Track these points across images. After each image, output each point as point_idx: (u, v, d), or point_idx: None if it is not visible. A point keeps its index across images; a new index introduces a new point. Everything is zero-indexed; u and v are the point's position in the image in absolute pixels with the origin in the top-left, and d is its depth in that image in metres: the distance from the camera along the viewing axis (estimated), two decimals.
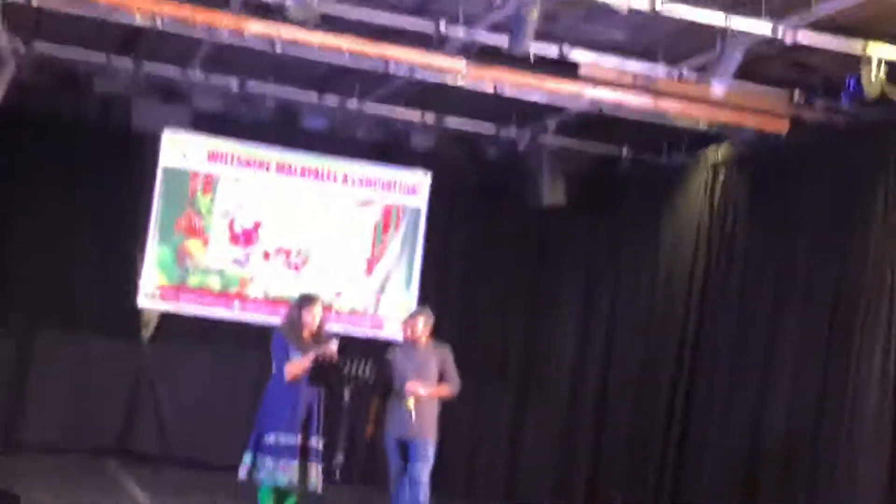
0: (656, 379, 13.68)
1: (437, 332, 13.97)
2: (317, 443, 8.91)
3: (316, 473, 8.86)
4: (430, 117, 13.78)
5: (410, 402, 8.99)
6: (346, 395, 8.84)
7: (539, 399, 15.04)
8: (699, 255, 13.32)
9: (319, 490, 8.90)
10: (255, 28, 10.42)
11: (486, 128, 14.02)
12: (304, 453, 8.88)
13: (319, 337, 9.06)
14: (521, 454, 14.95)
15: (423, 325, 9.17)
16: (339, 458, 8.81)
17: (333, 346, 8.91)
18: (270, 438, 8.88)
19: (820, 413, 11.08)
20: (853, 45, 9.53)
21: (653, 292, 14.12)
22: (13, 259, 13.47)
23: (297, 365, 8.89)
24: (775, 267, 12.04)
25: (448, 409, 9.73)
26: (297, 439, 8.87)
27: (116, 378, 13.77)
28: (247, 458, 8.93)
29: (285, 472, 8.83)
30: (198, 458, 13.47)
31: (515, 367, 15.07)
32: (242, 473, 8.92)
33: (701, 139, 13.04)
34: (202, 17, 10.41)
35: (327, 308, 12.87)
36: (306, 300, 9.20)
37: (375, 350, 13.37)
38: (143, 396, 13.86)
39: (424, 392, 9.07)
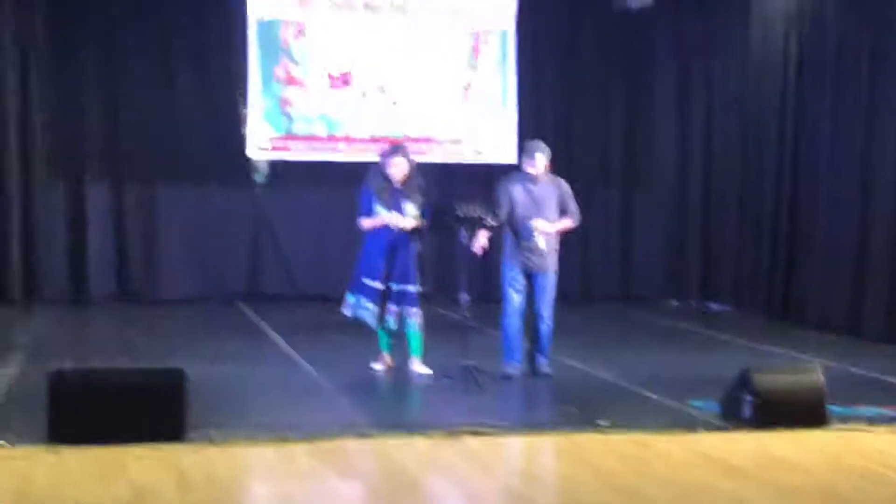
0: (760, 169, 13.79)
1: None
2: (400, 288, 9.14)
3: (399, 316, 9.13)
4: None
5: (542, 241, 9.14)
6: (464, 236, 8.96)
7: (644, 200, 15.23)
8: (791, 38, 13.26)
9: (414, 329, 9.17)
10: None
11: None
12: (385, 297, 9.19)
13: (408, 184, 9.19)
14: (632, 255, 15.21)
15: (544, 161, 9.24)
16: (465, 296, 9.02)
17: (404, 222, 9.08)
18: (363, 280, 9.25)
19: None
20: None
21: (746, 86, 14.12)
22: (124, 122, 13.77)
23: (367, 222, 9.20)
24: (869, 43, 11.94)
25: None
26: (377, 284, 9.17)
27: (237, 226, 14.20)
28: (350, 298, 9.34)
29: (366, 313, 9.21)
30: (324, 294, 13.90)
31: (618, 169, 15.20)
32: (348, 311, 9.35)
33: None
34: None
35: (428, 143, 13.28)
36: (389, 152, 9.29)
37: (477, 175, 13.87)
38: (264, 241, 14.28)
39: (551, 229, 9.22)
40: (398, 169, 9.14)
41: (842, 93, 12.33)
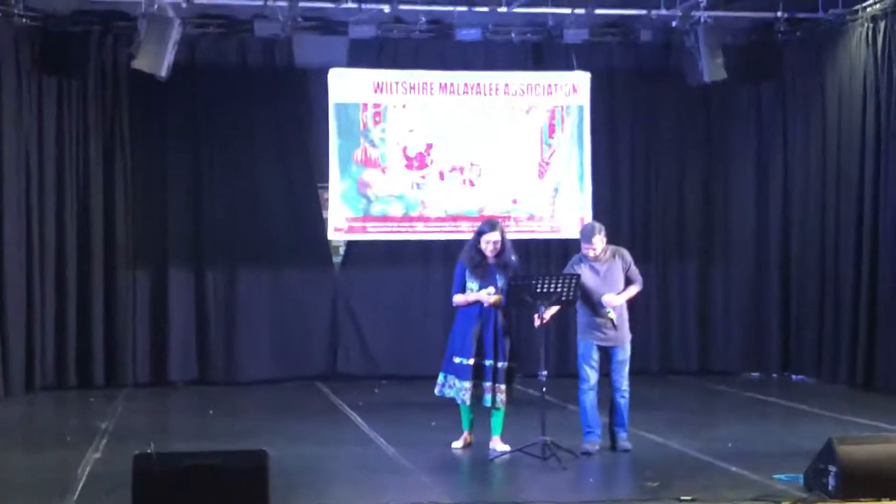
0: (838, 241, 13.70)
1: (615, 223, 14.42)
2: (491, 364, 9.21)
3: (491, 392, 9.18)
4: (580, 10, 13.83)
5: (612, 314, 9.21)
6: (542, 312, 9.00)
7: (723, 272, 15.12)
8: (868, 106, 13.21)
9: (498, 406, 9.22)
10: None
11: (637, 11, 14.03)
12: (476, 374, 9.24)
13: (501, 261, 9.28)
14: (711, 328, 15.07)
15: (602, 241, 9.33)
16: (543, 373, 9.05)
17: (490, 298, 9.15)
18: (454, 359, 9.32)
19: None
20: None
21: (824, 150, 14.05)
22: (206, 206, 14.06)
23: (460, 298, 9.30)
24: None
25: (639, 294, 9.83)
26: (470, 361, 9.23)
27: (316, 307, 14.33)
28: (440, 378, 9.41)
29: (460, 392, 9.26)
30: (403, 373, 13.99)
31: (696, 241, 15.13)
32: (437, 391, 9.43)
33: None
34: None
35: (505, 220, 13.38)
36: (484, 227, 9.42)
37: (554, 251, 13.93)
38: (343, 321, 14.40)
39: (620, 301, 9.29)
40: (492, 245, 9.24)
41: None
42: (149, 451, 7.00)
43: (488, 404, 9.23)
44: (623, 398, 9.30)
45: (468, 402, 9.26)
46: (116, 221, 13.74)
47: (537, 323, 9.06)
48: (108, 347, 13.69)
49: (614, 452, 9.24)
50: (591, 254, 9.28)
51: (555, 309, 9.16)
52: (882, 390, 12.62)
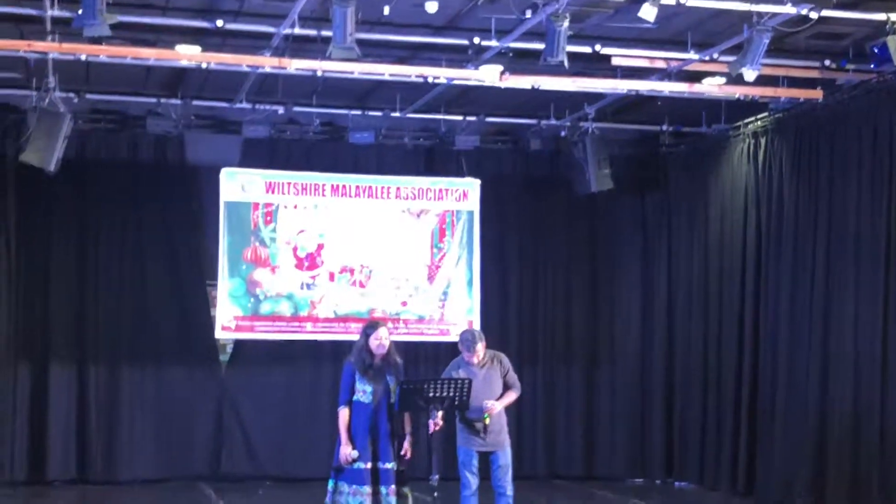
0: (720, 350, 13.99)
1: (502, 327, 14.56)
2: (389, 466, 9.14)
3: (393, 494, 9.11)
4: (472, 118, 14.16)
5: (487, 419, 9.27)
6: (431, 426, 8.99)
7: (609, 380, 15.32)
8: (749, 221, 13.62)
9: None
10: (298, 65, 10.88)
11: (527, 121, 14.36)
12: (374, 478, 9.15)
13: (388, 361, 9.27)
14: (595, 434, 15.22)
15: (483, 347, 9.44)
16: (435, 477, 9.04)
17: (350, 454, 9.05)
18: (341, 465, 9.22)
19: (885, 380, 11.35)
20: (876, 16, 9.81)
21: (707, 260, 14.42)
22: (91, 302, 13.91)
23: (343, 445, 9.15)
24: (826, 225, 12.29)
25: (524, 400, 9.83)
26: (367, 465, 9.15)
27: (201, 405, 14.20)
28: (330, 485, 9.29)
29: (355, 497, 9.13)
30: (288, 475, 13.87)
31: (582, 348, 15.32)
32: (328, 500, 9.28)
33: (739, 109, 13.28)
34: (246, 60, 10.87)
35: (395, 322, 13.46)
36: (370, 327, 9.41)
37: (443, 353, 13.99)
38: (228, 420, 14.26)
39: (500, 407, 9.37)
40: (383, 342, 9.22)
41: (799, 274, 12.60)
42: None
43: None
44: (507, 503, 9.32)
45: None
46: (0, 315, 13.50)
47: (432, 428, 9.03)
48: None
49: None
50: (475, 360, 9.36)
51: (441, 413, 9.16)
52: (762, 498, 12.81)
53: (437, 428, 9.03)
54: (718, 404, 13.95)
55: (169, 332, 14.11)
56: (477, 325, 13.79)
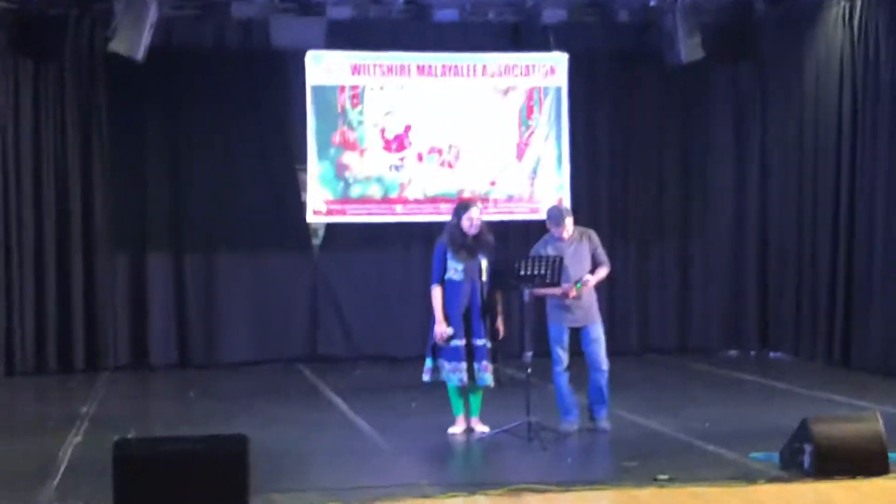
0: (815, 220, 13.78)
1: (593, 203, 14.47)
2: (482, 343, 9.20)
3: (487, 370, 9.16)
4: None
5: (579, 287, 9.21)
6: (526, 295, 9.04)
7: (702, 254, 15.19)
8: (845, 86, 13.28)
9: (492, 385, 9.21)
10: None
11: None
12: (469, 354, 9.22)
13: (480, 240, 9.26)
14: (690, 307, 15.15)
15: (571, 222, 9.37)
16: (528, 355, 9.08)
17: (446, 331, 9.09)
18: (437, 343, 9.30)
19: None
20: None
21: (802, 129, 14.12)
22: (184, 190, 14.07)
23: (438, 323, 9.19)
24: None
25: (616, 275, 9.70)
26: (462, 342, 9.20)
27: (296, 289, 14.35)
28: (428, 363, 9.38)
29: (455, 373, 9.21)
30: (384, 354, 14.06)
31: (675, 221, 15.19)
32: (426, 377, 9.39)
33: None
34: None
35: (484, 202, 13.46)
36: (461, 207, 9.41)
37: (532, 231, 13.92)
38: (323, 303, 14.42)
39: (593, 282, 9.34)
40: (474, 222, 9.23)
41: None
42: (129, 436, 7.04)
43: (485, 384, 9.19)
44: (602, 377, 9.33)
45: (466, 383, 9.19)
46: (95, 206, 13.71)
47: (572, 294, 9.09)
48: (88, 332, 13.69)
49: (593, 433, 9.30)
50: (564, 235, 9.32)
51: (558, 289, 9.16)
52: (858, 368, 12.73)
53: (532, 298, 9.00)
54: (814, 275, 13.80)
55: (262, 218, 14.22)
56: (567, 203, 13.72)
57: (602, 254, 9.47)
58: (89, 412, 10.72)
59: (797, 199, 14.20)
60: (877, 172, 12.65)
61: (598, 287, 9.61)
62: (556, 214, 9.45)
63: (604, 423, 9.37)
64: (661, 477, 7.49)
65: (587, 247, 9.40)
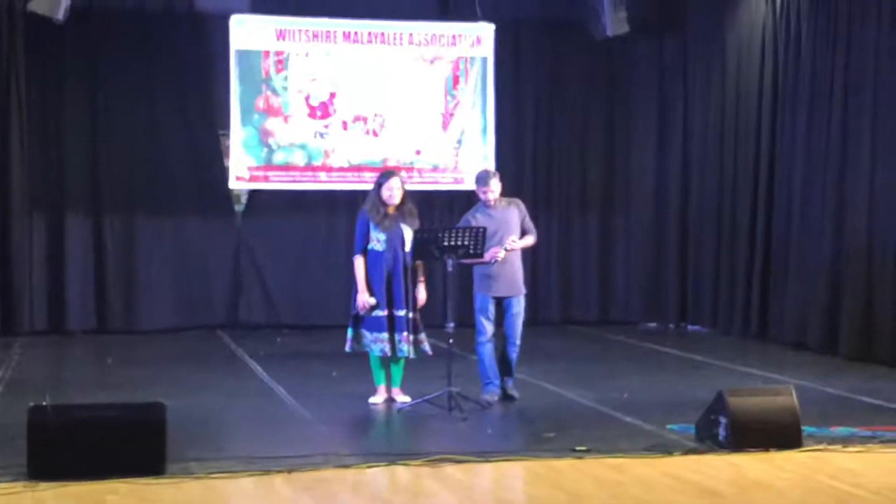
0: (735, 196, 13.94)
1: (518, 174, 14.50)
2: (403, 314, 9.17)
3: (407, 342, 9.15)
4: None
5: (501, 254, 9.24)
6: (450, 265, 9.03)
7: (624, 226, 15.32)
8: (766, 62, 13.43)
9: (411, 356, 9.21)
10: None
11: None
12: (391, 325, 9.20)
13: (403, 209, 9.24)
14: (611, 279, 15.28)
15: (498, 185, 9.41)
16: (450, 325, 9.09)
17: (368, 301, 9.05)
18: (359, 313, 9.28)
19: None
20: None
21: (724, 102, 14.27)
22: (104, 153, 13.84)
23: (360, 293, 9.14)
24: (843, 65, 12.13)
25: (539, 246, 9.80)
26: (384, 312, 9.17)
27: (218, 255, 14.23)
28: (349, 332, 9.35)
29: (376, 343, 9.18)
30: (306, 322, 14.01)
31: (597, 194, 15.28)
32: (348, 347, 9.36)
33: None
34: None
35: (409, 171, 13.45)
36: (383, 177, 9.34)
37: (457, 201, 13.98)
38: (245, 270, 14.32)
39: (520, 245, 9.37)
40: (395, 192, 9.17)
41: (816, 116, 12.51)
42: (44, 402, 6.95)
43: (404, 355, 9.19)
44: (514, 350, 9.43)
45: (389, 354, 9.18)
46: (12, 168, 13.41)
47: (500, 256, 9.13)
48: (3, 295, 13.42)
49: (504, 402, 9.36)
50: (491, 196, 9.34)
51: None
52: (774, 341, 12.94)
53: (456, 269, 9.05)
54: (732, 250, 13.97)
55: (183, 183, 14.06)
56: None
57: (530, 224, 9.53)
58: (4, 377, 10.56)
59: (718, 175, 14.35)
60: (795, 149, 12.83)
61: (523, 258, 9.65)
62: (482, 175, 9.50)
63: (513, 391, 9.47)
64: (580, 448, 7.56)
65: (516, 215, 9.45)
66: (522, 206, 9.56)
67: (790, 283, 12.86)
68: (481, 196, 9.41)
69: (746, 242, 13.65)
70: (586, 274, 15.25)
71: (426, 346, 9.26)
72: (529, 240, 9.52)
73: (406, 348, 9.17)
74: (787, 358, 11.98)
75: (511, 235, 9.32)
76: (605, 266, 15.31)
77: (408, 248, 9.11)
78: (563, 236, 15.09)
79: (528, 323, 9.63)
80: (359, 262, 9.22)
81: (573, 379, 10.50)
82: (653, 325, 14.99)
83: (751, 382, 10.14)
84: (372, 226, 9.20)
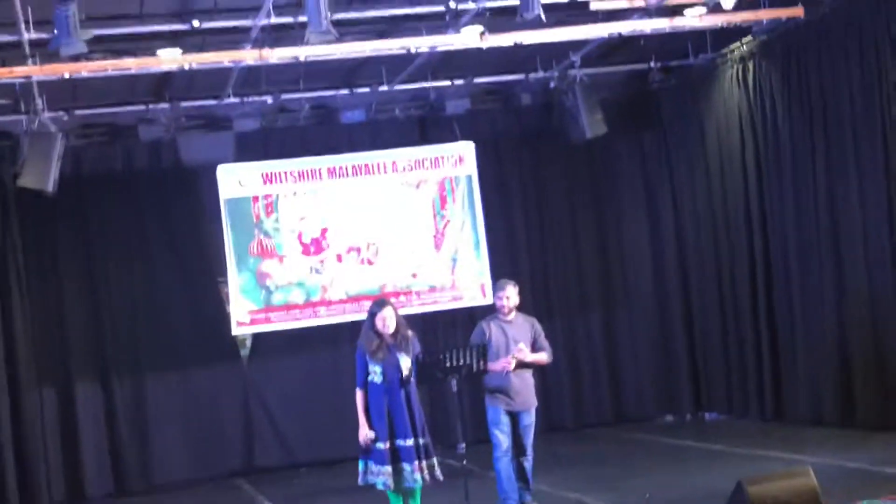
0: (733, 277, 14.05)
1: (515, 283, 14.53)
2: (408, 443, 9.13)
3: (418, 470, 9.08)
4: (459, 81, 14.06)
5: (513, 363, 9.34)
6: (454, 385, 9.09)
7: (627, 323, 15.37)
8: (746, 141, 13.64)
9: (419, 484, 9.10)
10: (279, 54, 10.92)
11: (515, 77, 14.32)
12: (395, 456, 9.16)
13: (398, 337, 9.20)
14: (621, 377, 15.29)
15: (516, 293, 9.53)
16: (461, 447, 9.11)
17: (368, 435, 9.06)
18: (364, 446, 9.27)
19: None
20: None
21: (710, 189, 14.46)
22: (106, 315, 13.99)
23: (360, 428, 9.19)
24: (822, 138, 12.31)
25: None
26: (385, 444, 9.13)
27: (227, 402, 14.29)
28: (360, 465, 9.30)
29: (379, 476, 9.12)
30: (321, 458, 13.95)
31: (597, 294, 15.36)
32: (360, 480, 9.31)
33: (724, 36, 13.26)
34: (227, 56, 10.92)
35: (407, 295, 13.54)
36: (375, 307, 9.36)
37: (459, 319, 14.05)
38: (256, 413, 14.35)
39: (530, 358, 9.44)
40: (389, 321, 9.18)
41: (802, 186, 12.66)
42: None
43: (413, 485, 9.12)
44: (528, 462, 9.50)
45: (392, 487, 9.15)
46: (17, 342, 13.51)
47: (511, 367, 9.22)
48: (19, 469, 13.37)
49: None
50: (506, 303, 9.44)
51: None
52: (790, 420, 12.91)
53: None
54: (738, 331, 14.01)
55: (187, 334, 14.17)
56: (489, 288, 13.81)
57: (545, 342, 9.65)
58: None
59: (714, 256, 14.46)
60: (786, 221, 12.96)
61: (535, 369, 9.70)
62: (501, 282, 9.73)
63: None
64: None
65: (529, 329, 9.55)
66: (538, 325, 9.70)
67: (799, 358, 12.89)
68: (497, 303, 9.53)
69: (751, 322, 13.70)
70: (596, 374, 15.27)
71: (438, 472, 9.21)
72: (543, 356, 9.60)
73: (417, 477, 9.10)
74: (806, 436, 11.97)
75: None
76: (613, 363, 15.33)
77: (405, 373, 9.13)
78: (567, 339, 15.10)
79: (542, 430, 9.73)
80: (359, 396, 9.23)
81: (594, 483, 10.51)
82: (669, 417, 14.96)
83: (771, 466, 10.09)
84: (368, 358, 9.22)
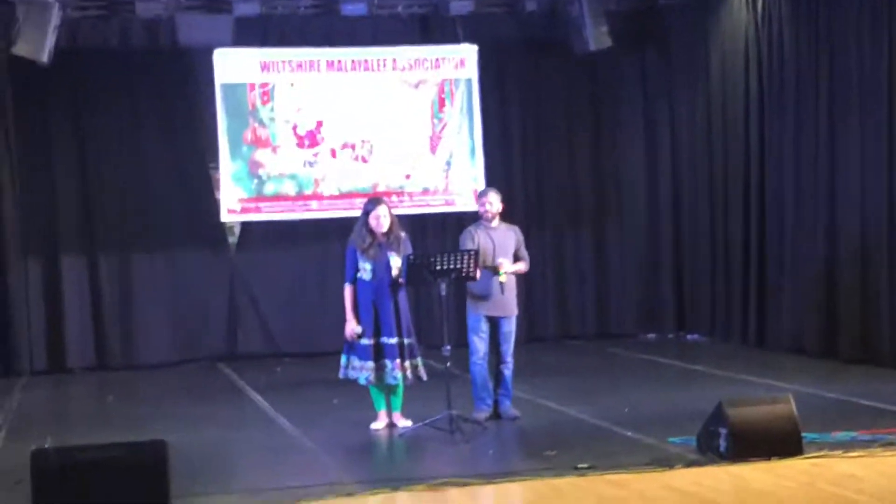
0: (727, 203, 14.00)
1: (508, 193, 14.49)
2: (392, 341, 9.18)
3: (399, 368, 9.16)
4: None
5: (503, 276, 9.33)
6: (443, 289, 9.05)
7: (617, 240, 15.34)
8: (751, 69, 13.50)
9: (400, 383, 9.21)
10: None
11: None
12: (378, 353, 9.24)
13: (391, 236, 9.23)
14: (607, 292, 15.29)
15: (498, 199, 9.50)
16: (447, 348, 9.11)
17: (354, 329, 9.13)
18: (348, 341, 9.32)
19: (892, 209, 11.40)
20: None
21: (710, 112, 14.35)
22: (95, 192, 13.92)
23: (347, 323, 9.24)
24: (827, 70, 12.21)
25: (533, 263, 9.94)
26: (370, 340, 9.21)
27: (213, 288, 14.27)
28: (343, 359, 9.40)
29: (362, 371, 9.22)
30: (304, 350, 14.00)
31: (589, 209, 15.31)
32: (341, 374, 9.42)
33: None
34: None
35: (399, 195, 13.48)
36: (369, 204, 9.37)
37: (449, 224, 14.02)
38: (241, 301, 14.35)
39: (512, 269, 9.43)
40: (383, 220, 9.20)
41: (803, 119, 12.58)
42: (46, 445, 6.96)
43: (394, 382, 9.21)
44: (508, 369, 9.50)
45: (374, 383, 9.24)
46: (4, 210, 13.48)
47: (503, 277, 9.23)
48: (2, 337, 13.49)
49: (505, 422, 9.39)
50: (489, 208, 9.42)
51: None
52: (772, 348, 12.98)
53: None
54: (727, 257, 14.02)
55: (175, 217, 14.12)
56: None
57: (524, 252, 9.65)
58: (6, 419, 10.56)
59: (709, 183, 14.41)
60: (784, 153, 12.89)
61: (518, 276, 9.70)
62: (483, 190, 9.73)
63: (511, 412, 9.53)
64: (581, 465, 7.58)
65: (513, 240, 9.54)
66: (520, 234, 9.67)
67: (786, 288, 12.91)
68: (480, 209, 9.51)
69: (741, 249, 13.70)
70: (582, 288, 15.28)
71: (422, 372, 9.28)
72: (521, 266, 9.60)
73: (398, 375, 9.18)
74: (787, 364, 12.03)
75: (504, 258, 9.40)
76: (600, 279, 15.32)
77: (395, 274, 9.13)
78: (556, 251, 15.11)
79: (525, 339, 9.75)
80: (347, 291, 9.29)
81: (573, 395, 10.53)
82: (651, 335, 15.01)
83: (751, 391, 10.16)
84: (359, 255, 9.23)
